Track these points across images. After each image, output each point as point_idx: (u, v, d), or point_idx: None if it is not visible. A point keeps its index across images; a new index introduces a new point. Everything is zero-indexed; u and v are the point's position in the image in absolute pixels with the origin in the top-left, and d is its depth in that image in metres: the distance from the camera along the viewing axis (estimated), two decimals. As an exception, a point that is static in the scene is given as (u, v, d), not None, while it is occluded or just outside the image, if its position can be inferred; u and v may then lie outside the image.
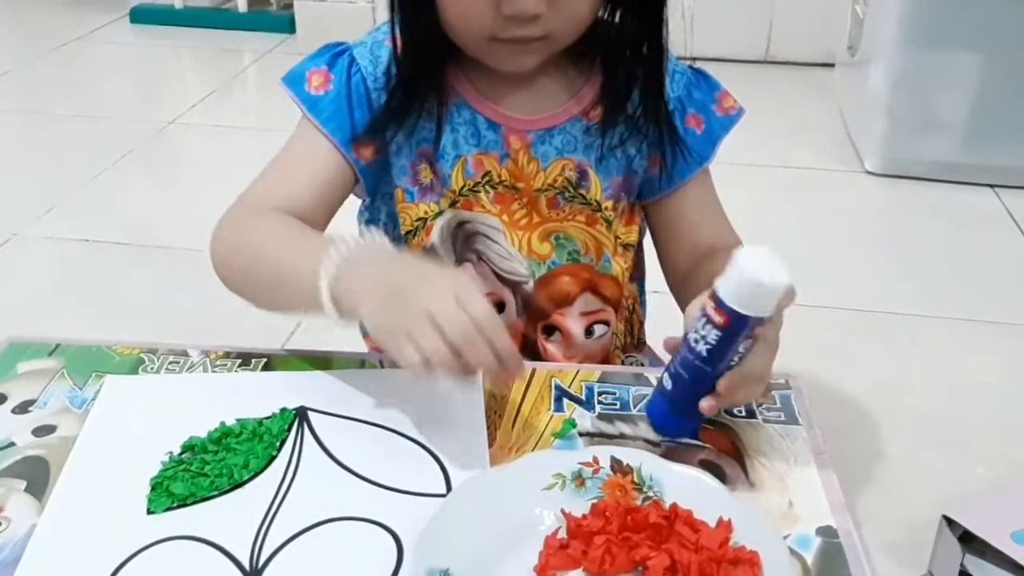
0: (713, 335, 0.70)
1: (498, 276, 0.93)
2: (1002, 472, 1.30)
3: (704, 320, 0.70)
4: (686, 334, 0.73)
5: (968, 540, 1.09)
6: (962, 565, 1.09)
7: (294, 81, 0.91)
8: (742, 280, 0.68)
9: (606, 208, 0.93)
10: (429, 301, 0.67)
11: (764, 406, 0.80)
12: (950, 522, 1.11)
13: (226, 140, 2.45)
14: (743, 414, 0.79)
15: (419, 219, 0.93)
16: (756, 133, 2.41)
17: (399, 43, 0.87)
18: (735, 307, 0.69)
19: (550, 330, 0.95)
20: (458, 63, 0.89)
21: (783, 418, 0.79)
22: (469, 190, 0.92)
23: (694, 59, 0.94)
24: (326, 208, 0.90)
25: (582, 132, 0.91)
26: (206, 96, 2.76)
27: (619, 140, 0.91)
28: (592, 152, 0.92)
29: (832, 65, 2.74)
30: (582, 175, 0.92)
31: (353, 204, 0.99)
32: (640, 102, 0.90)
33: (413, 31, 0.86)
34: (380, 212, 0.97)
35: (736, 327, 0.69)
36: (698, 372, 0.72)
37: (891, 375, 1.62)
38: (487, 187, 0.92)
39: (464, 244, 0.93)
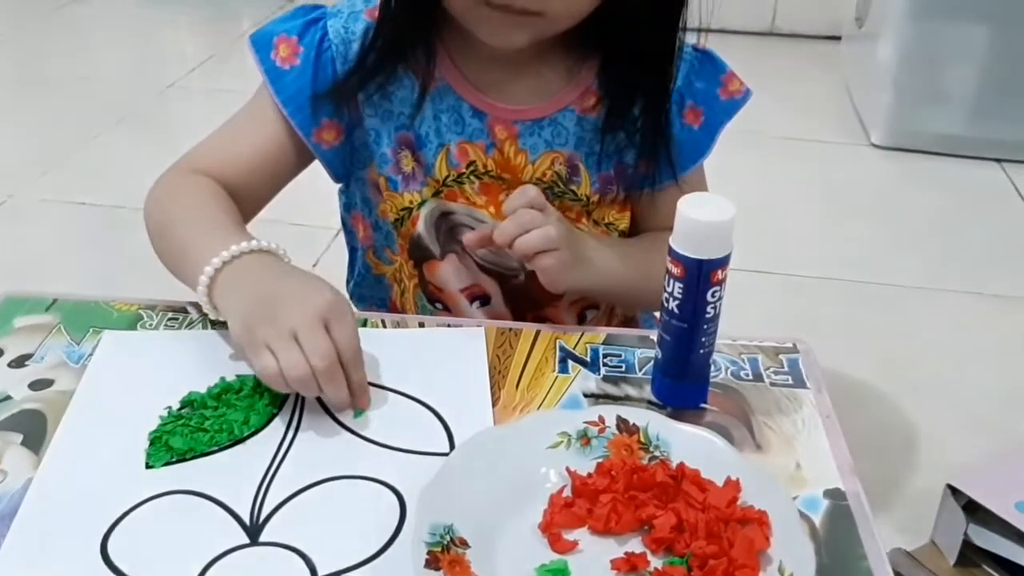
0: (678, 288, 0.70)
1: (482, 268, 0.91)
2: (1006, 442, 1.32)
3: (667, 277, 0.70)
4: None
5: (972, 509, 1.09)
6: (966, 534, 1.09)
7: (261, 44, 0.87)
8: (686, 226, 0.68)
9: (593, 203, 0.90)
10: (298, 321, 0.68)
11: (772, 369, 0.80)
12: (954, 491, 1.11)
13: (224, 104, 2.39)
14: (750, 377, 0.78)
15: (404, 208, 0.90)
16: (762, 106, 2.39)
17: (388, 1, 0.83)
18: (685, 253, 0.68)
19: (541, 319, 0.93)
20: (444, 43, 0.85)
21: (790, 381, 0.79)
22: (453, 180, 0.89)
23: (699, 30, 0.89)
24: (265, 184, 0.89)
25: (574, 124, 0.87)
26: (204, 60, 2.75)
27: (616, 148, 0.88)
28: (583, 146, 0.88)
29: (838, 38, 2.73)
30: (572, 170, 0.89)
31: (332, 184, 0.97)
32: (640, 115, 0.86)
33: None
34: (355, 197, 0.95)
35: (693, 273, 0.69)
36: (677, 331, 0.71)
37: (896, 347, 1.63)
38: (472, 177, 0.88)
39: (448, 235, 0.91)
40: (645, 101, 0.85)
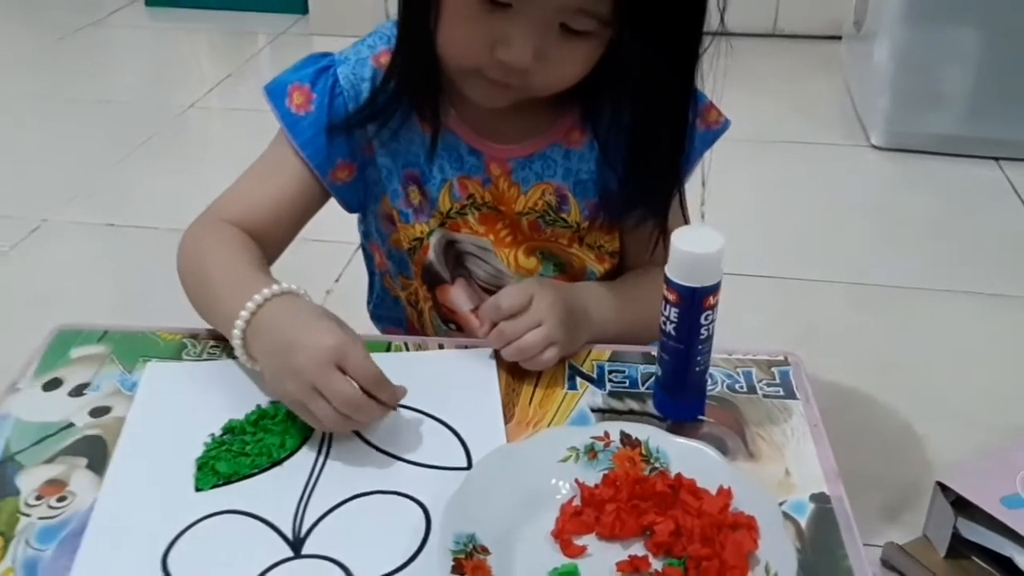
0: (673, 313, 0.76)
1: (487, 291, 0.98)
2: (996, 440, 1.34)
3: (664, 303, 0.76)
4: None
5: (961, 505, 1.15)
6: (955, 528, 1.15)
7: (276, 93, 0.93)
8: (679, 257, 0.75)
9: (583, 228, 0.96)
10: (313, 375, 0.73)
11: (764, 382, 0.85)
12: (944, 488, 1.16)
13: (244, 123, 2.48)
14: (744, 390, 0.84)
15: (415, 239, 0.96)
16: (763, 107, 2.46)
17: (397, 54, 0.88)
18: (680, 282, 0.75)
19: None
20: (443, 90, 0.90)
21: (782, 393, 0.84)
22: (456, 212, 0.95)
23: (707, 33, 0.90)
24: (288, 225, 0.94)
25: (561, 157, 0.93)
26: (223, 79, 2.80)
27: (600, 178, 0.94)
28: (571, 176, 0.94)
29: (840, 38, 2.75)
30: (562, 199, 0.94)
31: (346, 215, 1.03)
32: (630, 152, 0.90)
33: (412, 48, 0.87)
34: (372, 227, 1.01)
35: (687, 299, 0.75)
36: (674, 351, 0.78)
37: (893, 347, 1.66)
38: (472, 208, 0.95)
39: (456, 261, 0.98)
40: (635, 144, 0.89)
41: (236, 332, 0.79)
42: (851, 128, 2.45)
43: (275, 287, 0.80)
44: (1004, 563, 1.12)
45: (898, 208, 2.15)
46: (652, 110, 0.87)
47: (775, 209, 2.13)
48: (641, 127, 0.88)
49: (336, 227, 1.00)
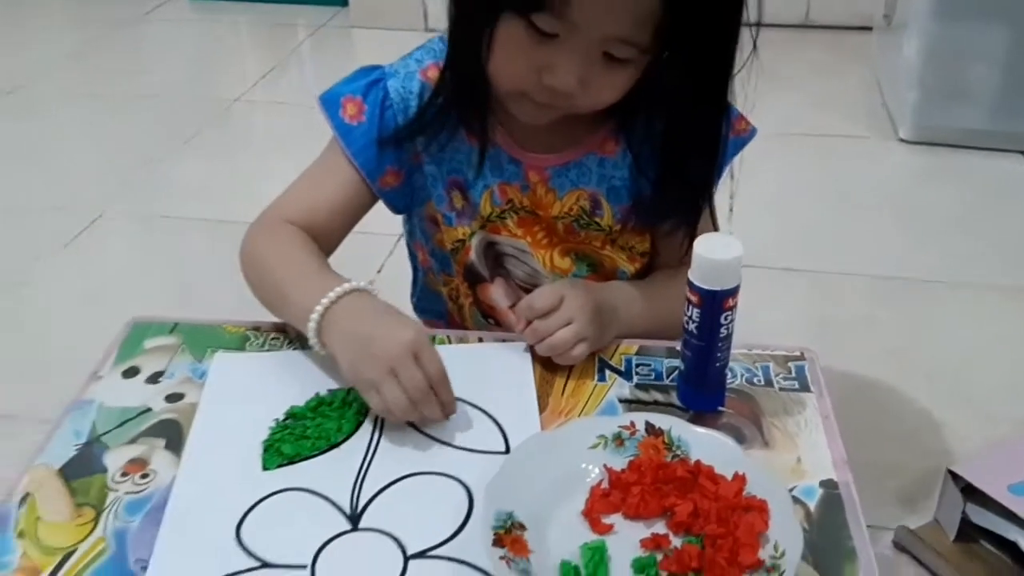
0: (696, 314, 0.82)
1: (524, 289, 1.05)
2: (1010, 431, 1.39)
3: (687, 304, 0.83)
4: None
5: (970, 491, 1.21)
6: (964, 513, 1.21)
7: (330, 103, 0.98)
8: (701, 263, 0.81)
9: (616, 231, 1.02)
10: (393, 360, 0.80)
11: (781, 376, 0.91)
12: (954, 475, 1.22)
13: (288, 116, 2.57)
14: (762, 383, 0.90)
15: (458, 240, 1.03)
16: (792, 99, 2.49)
17: (446, 73, 0.94)
18: (702, 285, 0.81)
19: None
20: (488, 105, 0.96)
21: (797, 386, 0.90)
22: (497, 216, 1.02)
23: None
24: (341, 225, 1.01)
25: (596, 165, 0.99)
26: (266, 73, 2.87)
27: (634, 185, 0.99)
28: (604, 183, 1.00)
29: (871, 28, 2.77)
30: (595, 204, 1.00)
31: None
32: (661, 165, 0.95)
33: (462, 70, 0.92)
34: (416, 228, 1.08)
35: (708, 302, 0.82)
36: (696, 348, 0.84)
37: (912, 339, 1.70)
38: (512, 213, 1.01)
39: (495, 262, 1.05)
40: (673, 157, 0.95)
41: (312, 320, 0.86)
42: (880, 121, 2.47)
43: (349, 284, 0.87)
44: (1010, 547, 1.17)
45: (923, 202, 2.17)
46: (685, 124, 0.93)
47: (801, 202, 2.16)
48: (674, 140, 0.94)
49: (378, 220, 1.07)
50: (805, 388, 0.90)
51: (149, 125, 2.59)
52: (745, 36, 0.87)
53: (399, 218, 1.13)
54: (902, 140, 2.38)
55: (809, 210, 2.14)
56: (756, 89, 0.92)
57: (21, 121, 2.64)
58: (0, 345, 1.76)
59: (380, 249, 1.87)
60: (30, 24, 3.26)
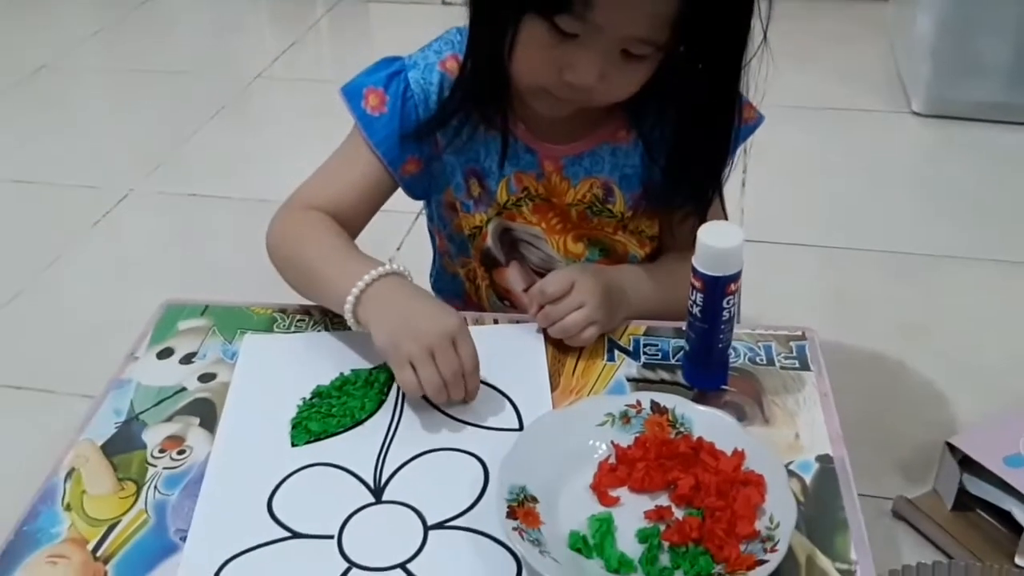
0: (699, 298, 0.86)
1: (538, 273, 1.09)
2: (1009, 402, 1.41)
3: (692, 289, 0.87)
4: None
5: (968, 463, 1.25)
6: (961, 483, 1.25)
7: (352, 95, 1.02)
8: (704, 250, 0.85)
9: (627, 217, 1.06)
10: (434, 339, 0.85)
11: (782, 355, 0.95)
12: (951, 447, 1.26)
13: (310, 93, 2.59)
14: (764, 362, 0.94)
15: (475, 227, 1.08)
16: (807, 71, 2.50)
17: (467, 67, 0.97)
18: (705, 271, 0.85)
19: None
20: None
21: (797, 365, 0.94)
22: (513, 204, 1.05)
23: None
24: (364, 212, 1.05)
25: (609, 154, 1.03)
26: (286, 49, 2.90)
27: (645, 172, 1.03)
28: (617, 171, 1.03)
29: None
30: (608, 191, 1.04)
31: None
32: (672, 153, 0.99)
33: (483, 67, 0.95)
34: (434, 213, 1.13)
35: (711, 287, 0.86)
36: (700, 330, 0.88)
37: (922, 313, 1.73)
38: (527, 200, 1.05)
39: (511, 247, 1.09)
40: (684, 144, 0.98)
41: (352, 295, 0.89)
42: (894, 94, 2.47)
43: (385, 267, 0.91)
44: (1005, 516, 1.22)
45: (936, 175, 2.18)
46: (696, 115, 0.96)
47: (813, 175, 2.17)
48: (685, 130, 0.97)
49: (397, 199, 1.09)
50: (805, 367, 0.94)
51: (173, 102, 2.63)
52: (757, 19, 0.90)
53: (422, 208, 1.17)
54: (915, 113, 2.39)
55: (821, 184, 2.15)
56: (770, 72, 0.94)
57: (47, 100, 2.69)
58: (34, 321, 1.82)
59: (399, 228, 1.91)
60: (53, 3, 3.30)
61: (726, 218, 1.08)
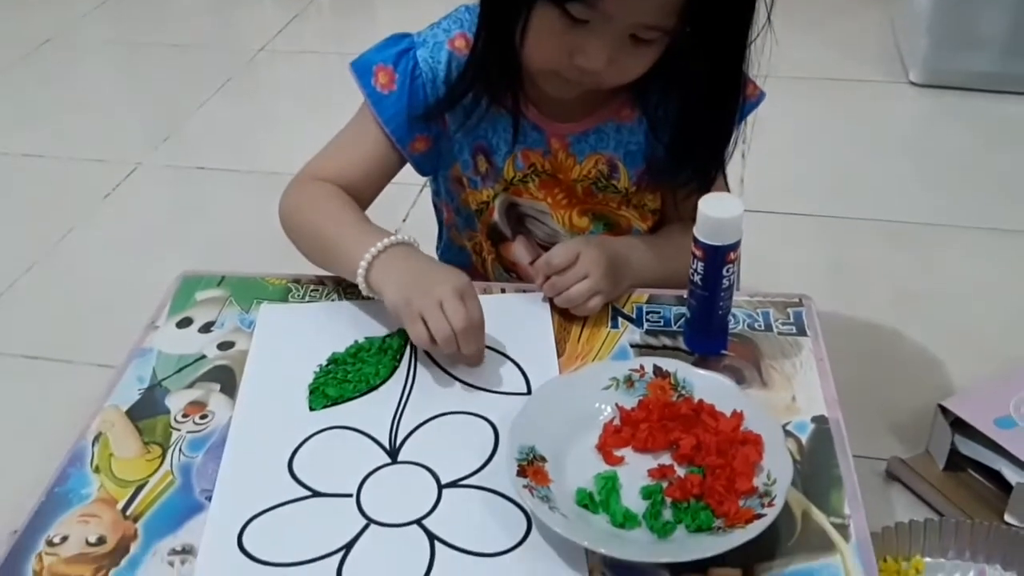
0: (700, 267, 0.89)
1: (543, 247, 1.12)
2: (1000, 367, 1.43)
3: (693, 258, 0.90)
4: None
5: (960, 424, 1.28)
6: (953, 444, 1.29)
7: (362, 71, 1.04)
8: (705, 220, 0.88)
9: (631, 192, 1.09)
10: (442, 294, 0.88)
11: (780, 321, 0.98)
12: (944, 410, 1.30)
13: (313, 66, 2.61)
14: (762, 328, 0.97)
15: (483, 202, 1.10)
16: (805, 42, 2.50)
17: (478, 49, 0.99)
18: (705, 241, 0.88)
19: None
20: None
21: (794, 331, 0.97)
22: (519, 180, 1.08)
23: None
24: (373, 185, 1.08)
25: (614, 131, 1.05)
26: (288, 23, 2.90)
27: (649, 149, 1.05)
28: (621, 148, 1.06)
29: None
30: (612, 168, 1.07)
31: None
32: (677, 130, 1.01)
33: (495, 51, 0.97)
34: (442, 188, 1.15)
35: (711, 256, 0.89)
36: (701, 298, 0.92)
37: (919, 281, 1.75)
38: (533, 176, 1.08)
39: (517, 221, 1.12)
40: (687, 122, 1.01)
41: (364, 261, 0.93)
42: (891, 64, 2.48)
43: (395, 237, 0.95)
44: (995, 476, 1.26)
45: (933, 145, 2.19)
46: (700, 96, 0.98)
47: (811, 146, 2.19)
48: (689, 110, 1.00)
49: (403, 171, 1.11)
50: (802, 332, 0.97)
51: (177, 75, 2.64)
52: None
53: (428, 183, 1.19)
54: (912, 83, 2.40)
55: (819, 154, 2.17)
56: (771, 47, 0.96)
57: (52, 74, 2.70)
58: (49, 293, 1.85)
59: (405, 199, 1.93)
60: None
61: (728, 191, 1.11)
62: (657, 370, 0.88)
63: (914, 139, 2.26)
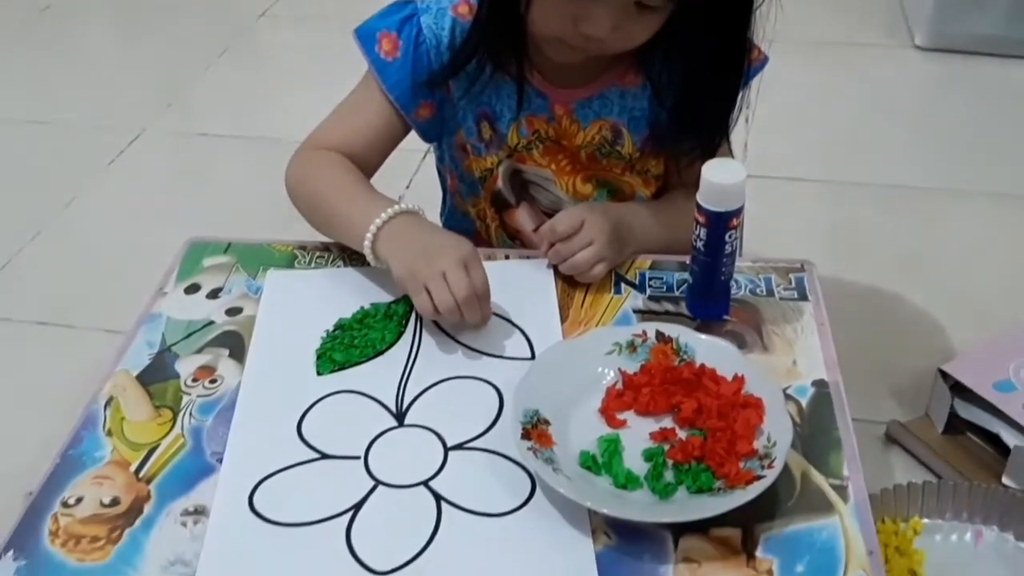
0: (703, 232, 0.90)
1: (547, 213, 1.12)
2: (1001, 332, 1.45)
3: (695, 224, 0.91)
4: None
5: (959, 388, 1.30)
6: (952, 408, 1.30)
7: (365, 37, 1.04)
8: (707, 186, 0.89)
9: (635, 159, 1.09)
10: (447, 263, 0.89)
11: (782, 286, 0.99)
12: (943, 373, 1.31)
13: (314, 31, 2.60)
14: (764, 293, 0.98)
15: (486, 169, 1.11)
16: (811, 6, 2.48)
17: (482, 16, 0.99)
18: (708, 207, 0.89)
19: None
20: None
21: (796, 296, 0.98)
22: (523, 147, 1.08)
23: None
24: (378, 153, 1.08)
25: (617, 97, 1.06)
26: (289, -14, 2.91)
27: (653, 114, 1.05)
28: (625, 114, 1.06)
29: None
30: (616, 134, 1.07)
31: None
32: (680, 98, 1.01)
33: (500, 18, 0.97)
34: (445, 154, 1.16)
35: (713, 222, 0.89)
36: (703, 263, 0.92)
37: (921, 246, 1.76)
38: (537, 143, 1.08)
39: (521, 188, 1.13)
40: (691, 90, 1.01)
41: (370, 231, 0.94)
42: (897, 28, 2.47)
43: (400, 206, 0.95)
44: (993, 439, 1.27)
45: (937, 110, 2.19)
46: (704, 62, 0.98)
47: (816, 110, 2.18)
48: (693, 76, 1.00)
49: (407, 137, 1.11)
50: (803, 297, 0.98)
51: (179, 41, 2.63)
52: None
53: (432, 149, 1.20)
54: (917, 47, 2.39)
55: (824, 118, 2.16)
56: (776, 12, 0.96)
57: (54, 40, 2.69)
58: (56, 259, 1.86)
59: (409, 165, 1.93)
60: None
61: (731, 156, 1.11)
62: (659, 335, 0.90)
63: (918, 103, 2.26)
